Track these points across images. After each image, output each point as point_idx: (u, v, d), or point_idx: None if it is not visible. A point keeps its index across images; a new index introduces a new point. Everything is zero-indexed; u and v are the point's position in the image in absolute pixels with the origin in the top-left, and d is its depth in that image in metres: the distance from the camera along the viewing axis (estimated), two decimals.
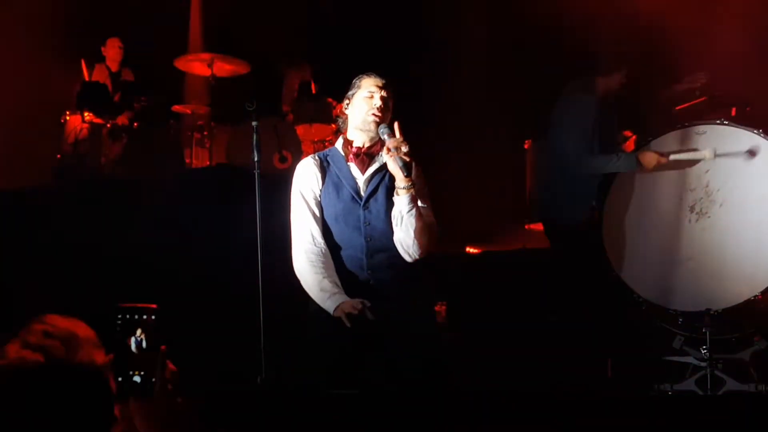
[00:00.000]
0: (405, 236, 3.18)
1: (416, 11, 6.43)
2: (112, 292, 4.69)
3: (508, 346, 4.75)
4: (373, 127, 3.26)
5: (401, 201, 3.17)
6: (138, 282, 4.72)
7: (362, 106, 3.29)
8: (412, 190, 3.15)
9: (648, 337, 4.49)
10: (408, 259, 3.24)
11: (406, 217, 3.17)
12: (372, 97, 3.28)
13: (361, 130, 3.30)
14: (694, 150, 4.35)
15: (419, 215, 3.18)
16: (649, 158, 4.38)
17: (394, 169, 3.15)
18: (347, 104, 3.36)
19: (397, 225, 3.20)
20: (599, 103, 4.59)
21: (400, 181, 3.15)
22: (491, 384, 4.41)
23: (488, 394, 3.09)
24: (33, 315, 1.65)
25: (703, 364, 4.16)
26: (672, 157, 4.38)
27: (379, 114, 3.25)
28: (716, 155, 4.31)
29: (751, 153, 4.27)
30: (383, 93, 3.29)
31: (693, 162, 4.38)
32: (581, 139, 4.49)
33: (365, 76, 3.34)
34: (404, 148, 3.13)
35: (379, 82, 3.31)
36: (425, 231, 3.20)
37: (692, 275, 4.33)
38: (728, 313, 4.22)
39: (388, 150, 3.14)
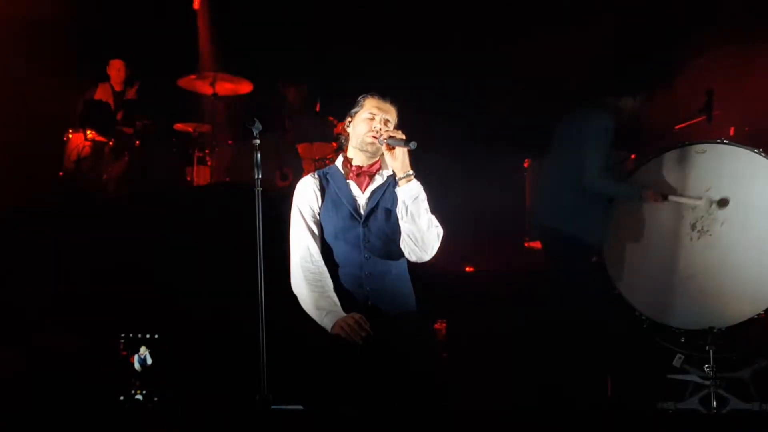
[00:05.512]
0: (411, 226, 3.16)
1: (416, 32, 6.47)
2: (113, 310, 4.70)
3: (507, 363, 4.74)
4: (371, 148, 3.27)
5: (403, 191, 3.17)
6: (139, 300, 4.73)
7: (363, 126, 3.30)
8: (412, 178, 3.16)
9: (649, 355, 4.48)
10: (417, 255, 3.21)
11: (411, 205, 3.16)
12: (373, 119, 3.28)
13: (360, 150, 3.31)
14: (692, 198, 4.41)
15: (424, 205, 3.18)
16: (651, 196, 4.44)
17: (391, 160, 3.16)
18: (349, 122, 3.37)
19: (402, 218, 3.19)
20: (613, 124, 4.59)
21: (400, 171, 3.16)
22: (490, 402, 4.40)
23: (488, 412, 3.09)
24: (35, 331, 1.66)
25: (706, 382, 4.15)
26: (671, 198, 4.43)
27: (378, 136, 3.25)
28: (713, 202, 4.38)
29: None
30: (385, 116, 3.29)
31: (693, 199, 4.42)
32: (597, 159, 4.49)
33: (369, 97, 3.35)
34: (397, 134, 3.16)
35: (382, 104, 3.32)
36: (431, 224, 3.19)
37: (694, 293, 4.33)
38: (731, 331, 4.23)
39: (383, 138, 3.17)
